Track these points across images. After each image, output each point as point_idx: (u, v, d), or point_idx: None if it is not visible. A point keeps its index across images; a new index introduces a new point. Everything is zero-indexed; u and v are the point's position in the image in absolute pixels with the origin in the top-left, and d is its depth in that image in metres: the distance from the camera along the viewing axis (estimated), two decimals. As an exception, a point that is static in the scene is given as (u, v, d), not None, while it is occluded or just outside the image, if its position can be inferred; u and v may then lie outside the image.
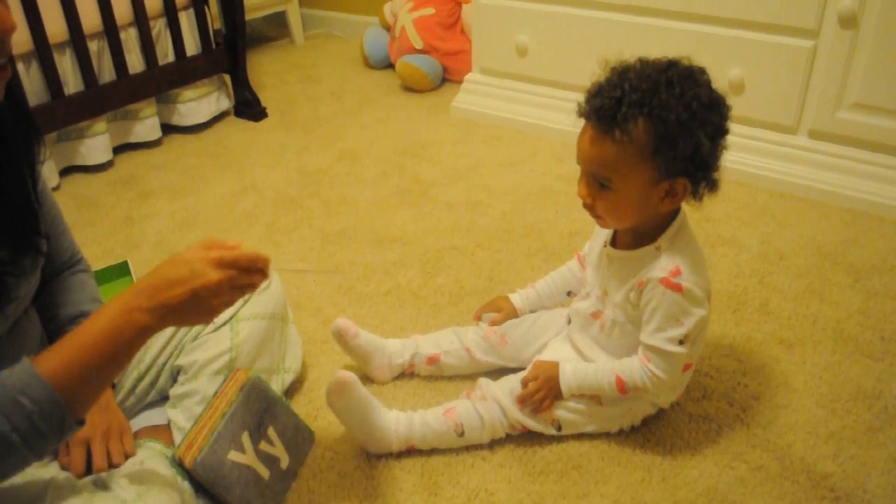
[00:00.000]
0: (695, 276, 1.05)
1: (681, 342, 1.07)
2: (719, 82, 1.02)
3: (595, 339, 1.19)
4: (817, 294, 1.54)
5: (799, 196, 1.90)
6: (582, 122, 1.05)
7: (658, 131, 0.97)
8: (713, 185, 1.04)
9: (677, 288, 1.04)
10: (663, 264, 1.05)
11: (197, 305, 0.81)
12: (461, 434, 1.18)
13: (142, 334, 0.80)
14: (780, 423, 1.23)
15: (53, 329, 1.06)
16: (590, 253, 1.23)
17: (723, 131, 1.01)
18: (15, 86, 0.87)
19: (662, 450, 1.19)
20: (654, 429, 1.23)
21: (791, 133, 1.93)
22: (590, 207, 1.07)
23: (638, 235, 1.10)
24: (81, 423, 0.80)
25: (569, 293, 1.35)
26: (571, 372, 1.16)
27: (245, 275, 0.84)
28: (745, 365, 1.36)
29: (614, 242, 1.15)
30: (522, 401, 1.17)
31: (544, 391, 1.16)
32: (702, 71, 1.01)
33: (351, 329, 1.30)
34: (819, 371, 1.34)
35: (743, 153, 1.97)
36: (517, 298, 1.37)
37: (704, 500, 1.11)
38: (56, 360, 0.77)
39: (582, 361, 1.19)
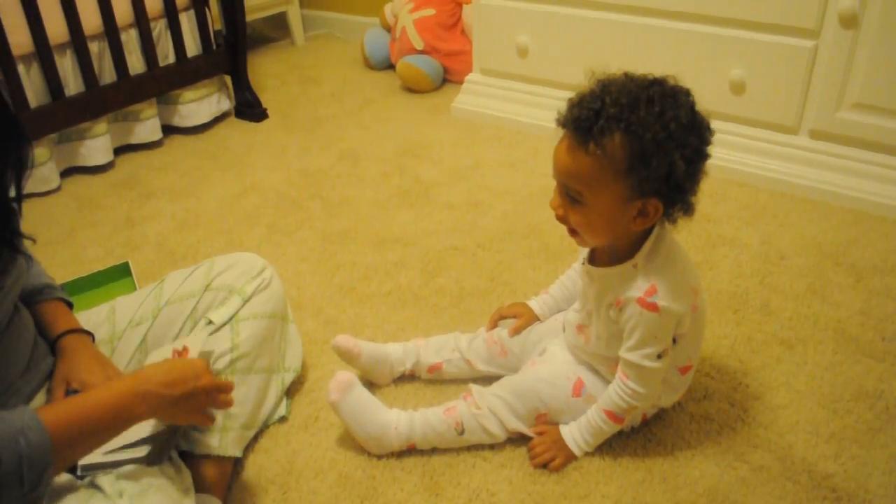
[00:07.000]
0: (673, 291, 1.04)
1: (659, 356, 1.07)
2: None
3: (582, 349, 1.20)
4: (818, 294, 1.54)
5: (800, 196, 1.90)
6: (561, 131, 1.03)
7: (633, 148, 0.95)
8: (689, 209, 1.01)
9: (653, 308, 1.03)
10: (639, 284, 1.05)
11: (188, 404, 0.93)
12: (461, 432, 1.18)
13: (136, 420, 0.90)
14: (782, 424, 1.23)
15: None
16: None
17: (702, 155, 0.98)
18: (1, 92, 0.90)
19: (664, 450, 1.19)
20: (656, 429, 1.23)
21: (792, 133, 1.93)
22: (562, 219, 1.05)
23: (615, 253, 1.09)
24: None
25: None
26: (570, 431, 1.18)
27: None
28: (747, 365, 1.36)
29: (592, 259, 1.14)
30: (535, 464, 1.18)
31: (552, 451, 1.17)
32: (686, 92, 0.98)
33: (353, 349, 1.30)
34: (820, 371, 1.34)
35: (744, 153, 1.97)
36: (535, 304, 1.34)
37: (706, 500, 1.11)
38: (61, 414, 0.83)
39: (575, 419, 1.19)
